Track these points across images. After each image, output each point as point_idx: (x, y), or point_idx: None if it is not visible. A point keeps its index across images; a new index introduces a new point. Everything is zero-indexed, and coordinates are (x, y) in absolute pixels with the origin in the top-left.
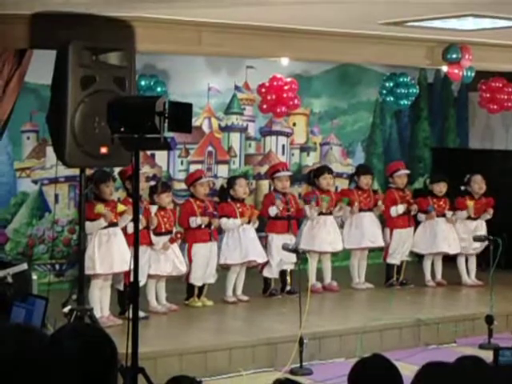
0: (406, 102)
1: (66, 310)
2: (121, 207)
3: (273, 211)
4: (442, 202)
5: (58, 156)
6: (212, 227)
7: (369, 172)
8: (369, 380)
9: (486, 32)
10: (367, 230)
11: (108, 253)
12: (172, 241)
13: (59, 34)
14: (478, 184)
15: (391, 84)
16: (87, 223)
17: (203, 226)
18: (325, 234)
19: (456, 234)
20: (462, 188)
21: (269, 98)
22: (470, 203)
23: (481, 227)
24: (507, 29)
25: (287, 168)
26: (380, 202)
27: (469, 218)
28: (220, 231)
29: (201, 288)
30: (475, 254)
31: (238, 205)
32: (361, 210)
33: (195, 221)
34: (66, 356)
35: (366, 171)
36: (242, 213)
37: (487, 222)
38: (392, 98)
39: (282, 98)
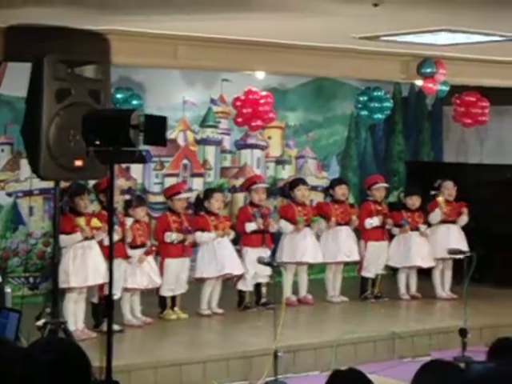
0: (380, 116)
1: (40, 323)
2: (95, 222)
3: (250, 227)
4: (415, 216)
5: (32, 169)
6: (186, 243)
7: (343, 182)
8: None
9: (460, 47)
10: (343, 243)
11: (83, 266)
12: (147, 253)
13: (34, 46)
14: (449, 190)
15: (365, 98)
16: (62, 236)
17: (176, 242)
18: (306, 246)
19: (430, 248)
20: (433, 193)
21: (244, 111)
22: (440, 199)
23: (459, 235)
24: (481, 44)
25: (263, 181)
26: (354, 217)
27: (445, 222)
28: (195, 245)
29: (173, 299)
30: (451, 265)
31: (213, 218)
32: (337, 223)
33: (170, 236)
34: (38, 370)
35: (340, 182)
36: (216, 226)
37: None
38: (366, 112)
39: (257, 112)
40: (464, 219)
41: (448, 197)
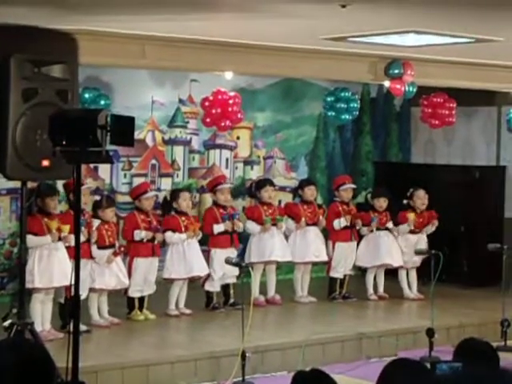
0: (347, 117)
1: (7, 323)
2: (65, 228)
3: (218, 229)
4: (383, 216)
5: None
6: (155, 242)
7: (312, 183)
8: None
9: (427, 48)
10: (312, 244)
11: (48, 267)
12: (116, 254)
13: (1, 46)
14: (421, 199)
15: (332, 99)
16: (31, 237)
17: (145, 240)
18: (273, 245)
19: (398, 247)
20: (405, 202)
21: (214, 111)
22: (411, 215)
23: (422, 241)
24: (448, 45)
25: (227, 181)
26: (322, 218)
27: (411, 231)
28: (163, 244)
29: (141, 300)
30: (415, 268)
31: (183, 218)
32: (306, 224)
33: (139, 234)
34: (2, 371)
35: (308, 183)
36: (186, 226)
37: (428, 234)
38: (333, 113)
39: (226, 112)
40: (432, 229)
41: (421, 206)
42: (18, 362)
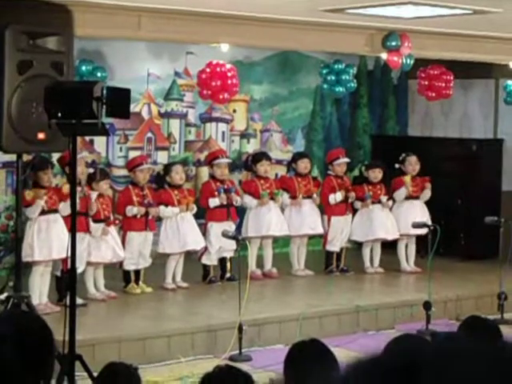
0: (341, 89)
1: (3, 297)
2: (66, 187)
3: (214, 203)
4: (377, 189)
5: None
6: (150, 217)
7: (305, 156)
8: (305, 363)
9: (424, 20)
10: (307, 216)
11: (47, 239)
12: (109, 224)
13: None
14: (412, 166)
15: (327, 71)
16: (26, 208)
17: (139, 216)
18: (270, 219)
19: (393, 220)
20: (397, 166)
21: (213, 84)
22: (407, 178)
23: (422, 210)
24: (446, 17)
25: (226, 155)
26: (315, 196)
27: (409, 198)
28: (158, 219)
29: (137, 273)
30: (415, 239)
31: (176, 192)
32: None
33: (131, 210)
34: (1, 343)
35: (302, 156)
36: (179, 200)
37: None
38: (328, 86)
39: (225, 85)
40: (427, 194)
41: (411, 172)
42: (16, 333)
